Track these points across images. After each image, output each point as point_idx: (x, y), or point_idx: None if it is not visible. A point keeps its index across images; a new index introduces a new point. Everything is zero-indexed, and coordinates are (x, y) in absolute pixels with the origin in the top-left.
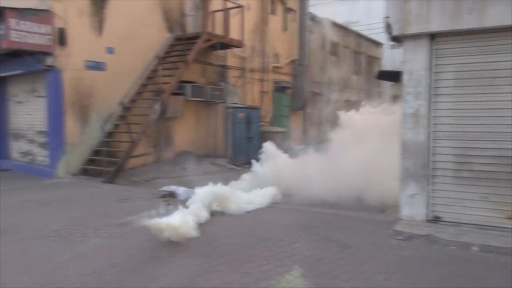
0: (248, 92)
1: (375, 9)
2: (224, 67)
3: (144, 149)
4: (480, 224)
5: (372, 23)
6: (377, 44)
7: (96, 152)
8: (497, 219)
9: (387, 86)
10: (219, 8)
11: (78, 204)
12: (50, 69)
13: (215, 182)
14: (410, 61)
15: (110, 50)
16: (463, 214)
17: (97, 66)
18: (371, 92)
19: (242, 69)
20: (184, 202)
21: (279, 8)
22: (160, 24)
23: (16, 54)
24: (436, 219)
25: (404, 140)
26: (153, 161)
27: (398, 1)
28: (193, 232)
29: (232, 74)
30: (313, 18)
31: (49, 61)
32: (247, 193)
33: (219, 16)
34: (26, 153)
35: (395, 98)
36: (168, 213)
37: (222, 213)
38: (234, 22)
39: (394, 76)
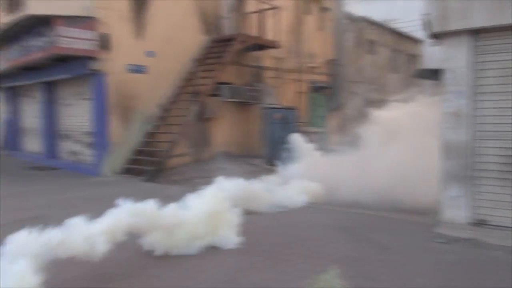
0: (284, 93)
1: (413, 6)
2: (260, 68)
3: (183, 149)
4: None
5: (411, 20)
6: (418, 41)
7: (138, 152)
8: None
9: (427, 85)
10: (255, 9)
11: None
12: (95, 73)
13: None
14: (451, 58)
15: (151, 54)
16: (509, 218)
17: (138, 69)
18: (410, 91)
19: (278, 70)
20: None
21: (315, 8)
22: (197, 27)
23: (64, 59)
24: (479, 222)
25: (445, 140)
26: (192, 161)
27: None
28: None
29: (268, 75)
30: (350, 17)
31: (94, 65)
32: (282, 190)
33: (255, 17)
34: (73, 153)
35: (435, 97)
36: None
37: (254, 211)
38: (269, 22)
39: (434, 75)
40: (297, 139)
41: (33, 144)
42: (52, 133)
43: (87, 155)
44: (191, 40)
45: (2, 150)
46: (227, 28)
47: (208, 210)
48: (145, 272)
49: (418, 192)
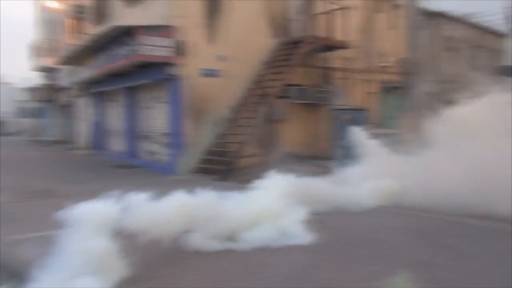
0: (354, 94)
1: (493, 0)
2: (329, 69)
3: (252, 150)
4: None
5: (493, 14)
6: (502, 35)
7: (210, 152)
8: None
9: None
10: (323, 10)
11: None
12: (172, 77)
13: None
14: None
15: (223, 58)
16: None
17: (212, 73)
18: (491, 89)
19: (347, 70)
20: None
21: (386, 6)
22: (266, 30)
23: (144, 66)
24: None
25: None
26: (261, 162)
27: None
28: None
29: (337, 76)
30: (425, 13)
31: (171, 71)
32: (351, 191)
33: (323, 18)
34: (151, 152)
35: None
36: None
37: (323, 211)
38: (339, 23)
39: None
40: (367, 141)
41: (116, 144)
42: (133, 134)
43: (163, 154)
44: (261, 43)
45: (91, 150)
46: (296, 30)
47: (266, 206)
48: (210, 263)
49: (499, 197)
